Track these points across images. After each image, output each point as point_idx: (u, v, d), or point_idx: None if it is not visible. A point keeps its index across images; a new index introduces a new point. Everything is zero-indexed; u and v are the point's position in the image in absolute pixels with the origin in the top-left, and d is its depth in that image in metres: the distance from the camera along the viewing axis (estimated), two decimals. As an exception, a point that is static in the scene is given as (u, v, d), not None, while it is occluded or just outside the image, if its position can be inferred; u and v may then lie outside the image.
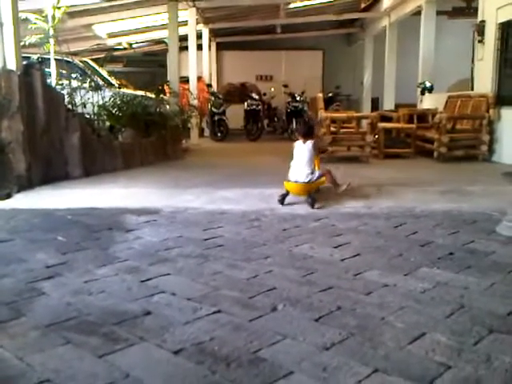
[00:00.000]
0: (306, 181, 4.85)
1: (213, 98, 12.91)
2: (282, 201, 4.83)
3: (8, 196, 5.20)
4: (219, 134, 12.71)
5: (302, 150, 4.98)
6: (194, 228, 4.06)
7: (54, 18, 7.76)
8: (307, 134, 5.08)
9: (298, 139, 5.15)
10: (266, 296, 2.62)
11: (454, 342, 2.12)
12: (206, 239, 3.73)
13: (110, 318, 2.35)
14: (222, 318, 2.37)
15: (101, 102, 7.67)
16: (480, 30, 8.60)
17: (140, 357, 2.02)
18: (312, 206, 4.72)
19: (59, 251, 3.42)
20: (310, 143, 4.98)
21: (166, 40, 12.56)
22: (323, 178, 5.06)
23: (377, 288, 2.73)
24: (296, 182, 4.85)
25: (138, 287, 2.76)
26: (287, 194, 4.86)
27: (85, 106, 7.08)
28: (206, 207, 4.80)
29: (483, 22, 8.54)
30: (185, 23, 11.71)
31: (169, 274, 2.96)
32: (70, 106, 6.67)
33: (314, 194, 4.92)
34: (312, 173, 4.91)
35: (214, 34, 15.46)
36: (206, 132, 13.36)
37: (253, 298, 2.60)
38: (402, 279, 2.87)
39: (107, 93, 8.19)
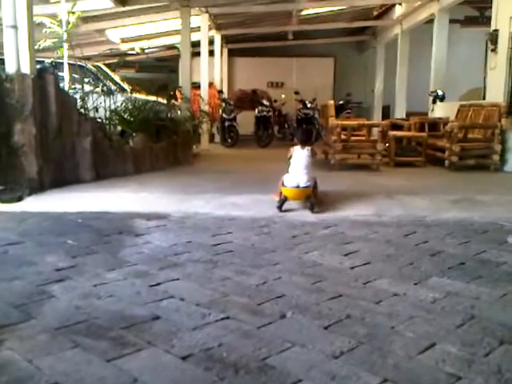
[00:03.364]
0: (307, 185, 4.87)
1: (224, 104, 12.96)
2: (280, 207, 4.86)
3: (19, 199, 5.24)
4: (229, 140, 12.74)
5: (302, 155, 5.01)
6: (204, 233, 4.06)
7: (68, 22, 7.84)
8: (306, 141, 5.17)
9: (295, 145, 5.20)
10: (275, 303, 2.61)
11: (464, 352, 2.10)
12: (215, 245, 3.73)
13: (119, 322, 2.35)
14: (231, 324, 2.36)
15: (113, 107, 7.73)
16: (493, 39, 8.58)
17: (148, 362, 2.01)
18: (312, 210, 4.80)
19: (69, 254, 3.44)
20: (308, 149, 5.06)
21: (178, 46, 12.64)
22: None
23: (387, 297, 2.71)
24: (297, 187, 4.86)
25: (147, 292, 2.76)
26: (285, 199, 4.88)
27: (97, 111, 7.13)
28: (216, 213, 4.81)
29: (496, 31, 8.52)
30: (197, 29, 11.77)
31: (178, 279, 2.96)
32: (82, 111, 6.72)
33: (312, 199, 4.91)
34: (311, 178, 4.95)
35: (226, 40, 15.53)
36: (217, 138, 13.40)
37: (261, 304, 2.59)
38: (413, 288, 2.85)
39: (119, 97, 8.25)
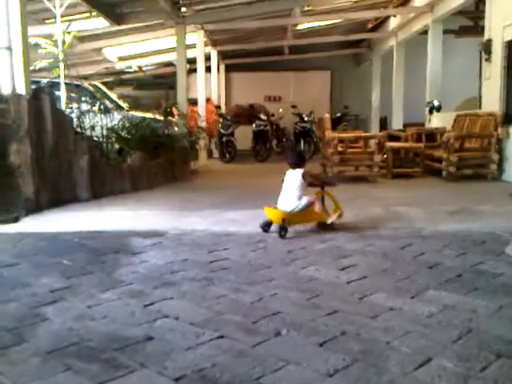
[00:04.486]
0: (290, 209, 4.53)
1: (221, 120, 12.99)
2: (264, 228, 4.57)
3: (16, 219, 5.23)
4: (227, 156, 12.76)
5: (291, 177, 4.69)
6: (200, 250, 4.04)
7: (63, 42, 7.89)
8: (297, 164, 4.76)
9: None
10: (270, 320, 2.59)
11: (460, 367, 2.07)
12: (211, 262, 3.71)
13: (112, 344, 2.33)
14: (225, 343, 2.34)
15: (110, 125, 7.75)
16: (487, 48, 8.61)
17: (140, 384, 1.99)
18: (280, 235, 4.40)
19: (64, 275, 3.42)
20: (299, 171, 4.68)
21: (175, 62, 12.72)
22: (311, 209, 4.62)
23: (383, 312, 2.69)
24: (282, 210, 4.54)
25: (141, 312, 2.74)
26: (271, 221, 4.58)
27: (93, 129, 7.15)
28: (213, 229, 4.79)
29: (490, 40, 8.55)
30: (193, 46, 11.85)
31: (172, 298, 2.94)
32: (78, 129, 6.74)
33: (288, 224, 4.50)
34: (299, 199, 4.57)
35: (222, 55, 15.62)
36: (215, 153, 13.42)
37: (256, 322, 2.57)
38: (409, 302, 2.83)
39: (116, 115, 8.28)
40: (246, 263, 3.68)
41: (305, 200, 4.61)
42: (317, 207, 4.66)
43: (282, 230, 4.45)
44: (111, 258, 3.87)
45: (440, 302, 2.82)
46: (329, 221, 4.68)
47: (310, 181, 4.75)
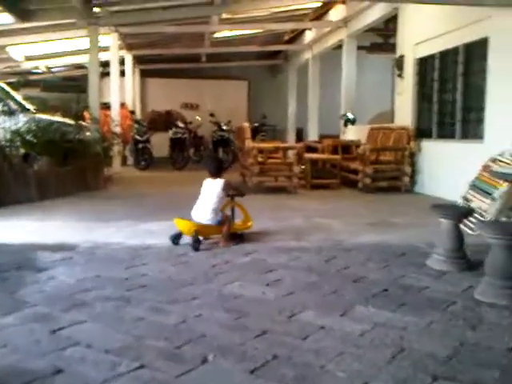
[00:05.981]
0: (206, 222, 4.39)
1: (136, 126, 12.56)
2: (174, 240, 4.35)
3: None
4: (143, 163, 12.35)
5: (210, 187, 4.51)
6: (115, 266, 3.74)
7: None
8: (217, 172, 4.61)
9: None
10: (195, 345, 2.38)
11: (398, 391, 1.98)
12: (127, 278, 3.43)
13: (12, 379, 2.02)
14: (145, 374, 2.10)
15: (14, 128, 7.16)
16: (399, 64, 8.93)
17: (47, 430, 1.71)
18: (194, 248, 4.20)
19: (-43, 297, 3.01)
20: (220, 182, 4.52)
21: (87, 65, 12.13)
22: (224, 227, 4.42)
23: (313, 331, 2.56)
24: (198, 222, 4.37)
25: (48, 339, 2.43)
26: (181, 234, 4.36)
27: (-5, 132, 6.57)
28: (129, 242, 4.48)
29: (402, 56, 8.87)
30: (107, 48, 11.36)
31: (85, 322, 2.64)
32: (-23, 132, 6.15)
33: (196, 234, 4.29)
34: (215, 213, 4.42)
35: (137, 60, 15.15)
36: (130, 160, 12.93)
37: (180, 347, 2.35)
38: (339, 320, 2.72)
39: (21, 118, 7.68)
40: (167, 279, 3.44)
41: (220, 215, 4.47)
42: (225, 227, 4.42)
43: (195, 242, 4.24)
44: (13, 276, 3.48)
45: (370, 319, 2.74)
46: (223, 244, 4.39)
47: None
